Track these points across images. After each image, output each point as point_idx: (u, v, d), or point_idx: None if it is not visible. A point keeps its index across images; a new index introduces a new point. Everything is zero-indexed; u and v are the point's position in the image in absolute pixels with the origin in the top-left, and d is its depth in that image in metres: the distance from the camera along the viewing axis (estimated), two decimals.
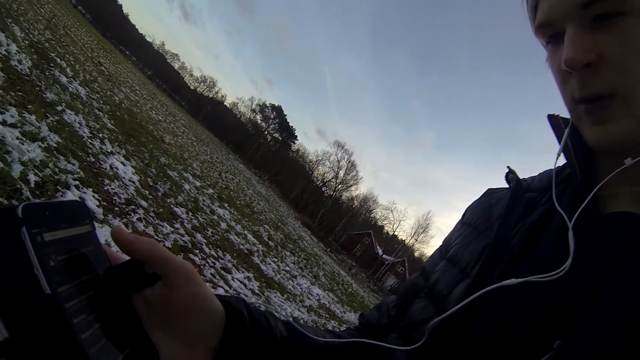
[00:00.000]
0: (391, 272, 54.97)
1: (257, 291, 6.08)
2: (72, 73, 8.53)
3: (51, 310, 0.27)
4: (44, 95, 5.55)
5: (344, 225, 65.97)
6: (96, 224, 3.23)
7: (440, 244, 0.70)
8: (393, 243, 66.78)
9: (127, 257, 0.40)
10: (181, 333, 0.41)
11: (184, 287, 0.40)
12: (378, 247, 59.67)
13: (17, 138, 3.68)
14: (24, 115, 4.29)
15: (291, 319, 0.58)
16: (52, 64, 7.66)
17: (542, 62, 0.50)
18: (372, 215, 73.20)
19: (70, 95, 6.82)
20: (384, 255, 58.31)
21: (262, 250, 9.52)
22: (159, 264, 0.39)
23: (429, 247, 68.04)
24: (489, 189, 0.68)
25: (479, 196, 0.68)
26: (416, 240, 66.18)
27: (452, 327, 0.48)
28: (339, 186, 71.88)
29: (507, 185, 0.64)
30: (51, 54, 8.43)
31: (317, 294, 10.39)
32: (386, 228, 71.82)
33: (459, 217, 0.70)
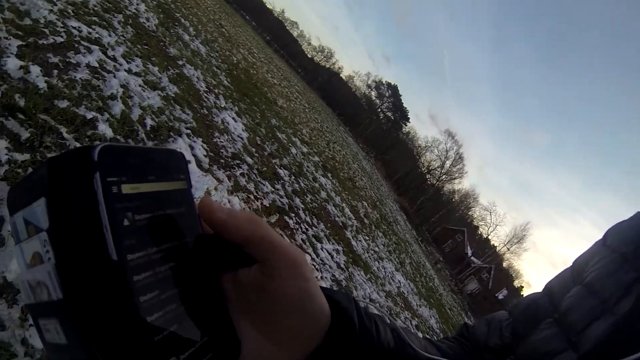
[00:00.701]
0: (475, 276, 53.46)
1: (342, 265, 6.13)
2: (194, 32, 9.25)
3: (114, 282, 0.23)
4: (167, 50, 6.12)
5: (440, 218, 64.94)
6: (200, 173, 3.49)
7: (571, 265, 0.63)
8: (484, 247, 64.85)
9: None
10: (273, 330, 0.35)
11: (287, 280, 0.33)
12: (469, 248, 58.11)
13: (140, 85, 4.10)
14: (148, 66, 4.76)
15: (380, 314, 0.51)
16: (176, 23, 8.39)
17: None
18: (469, 213, 71.40)
19: (191, 51, 7.41)
20: (472, 257, 56.76)
21: (356, 225, 9.57)
22: (261, 248, 0.33)
23: (520, 260, 66.59)
24: None
25: (626, 218, 0.62)
26: (508, 249, 63.80)
27: None
28: (443, 176, 70.73)
29: None
30: (176, 14, 9.23)
31: (399, 281, 10.23)
32: (481, 229, 69.75)
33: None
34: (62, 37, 3.52)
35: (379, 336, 0.45)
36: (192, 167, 3.71)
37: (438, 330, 10.75)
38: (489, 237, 67.25)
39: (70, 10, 4.08)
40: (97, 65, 3.67)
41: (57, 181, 0.24)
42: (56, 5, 3.88)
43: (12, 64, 2.72)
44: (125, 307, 0.24)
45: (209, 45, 9.65)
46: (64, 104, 2.82)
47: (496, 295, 51.26)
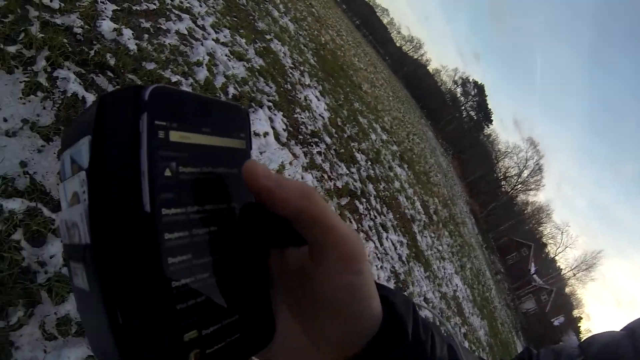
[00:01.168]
0: (534, 295, 50.81)
1: (404, 258, 6.05)
2: (284, 9, 9.32)
3: (141, 236, 0.22)
4: (255, 24, 6.18)
5: (509, 228, 62.59)
6: (277, 146, 3.44)
7: None
8: (549, 267, 62.17)
9: None
10: (311, 326, 0.31)
11: (336, 270, 0.29)
12: (532, 264, 55.36)
13: (226, 55, 4.15)
14: (235, 37, 4.82)
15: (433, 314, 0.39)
16: None
17: None
18: (540, 228, 68.08)
19: (279, 27, 7.46)
20: (534, 275, 54.27)
21: (424, 221, 9.47)
22: (311, 229, 0.28)
23: (584, 288, 63.63)
24: None
25: None
26: (574, 275, 60.58)
27: None
28: (519, 186, 67.91)
29: None
30: None
31: (456, 285, 10.01)
32: (549, 248, 66.50)
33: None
34: (155, 4, 3.63)
35: (433, 352, 0.37)
36: (270, 139, 3.69)
37: (485, 344, 10.40)
38: (556, 257, 64.65)
39: None
40: (186, 32, 3.76)
41: (103, 119, 0.23)
42: None
43: (107, 26, 2.83)
44: (149, 265, 0.22)
45: (297, 23, 9.69)
46: (151, 65, 2.91)
47: (552, 320, 48.65)
